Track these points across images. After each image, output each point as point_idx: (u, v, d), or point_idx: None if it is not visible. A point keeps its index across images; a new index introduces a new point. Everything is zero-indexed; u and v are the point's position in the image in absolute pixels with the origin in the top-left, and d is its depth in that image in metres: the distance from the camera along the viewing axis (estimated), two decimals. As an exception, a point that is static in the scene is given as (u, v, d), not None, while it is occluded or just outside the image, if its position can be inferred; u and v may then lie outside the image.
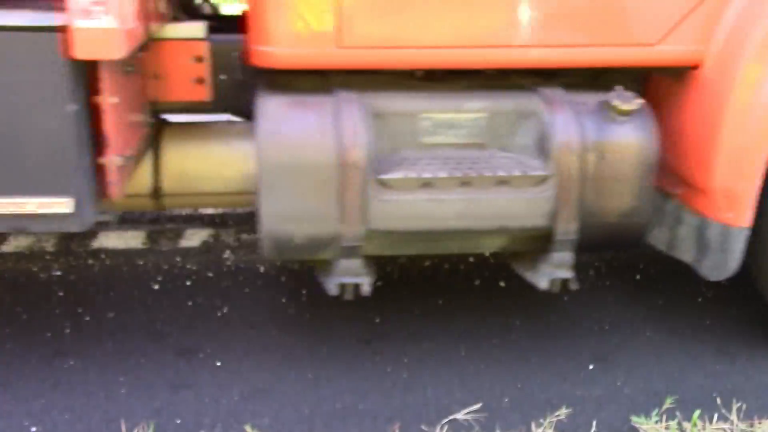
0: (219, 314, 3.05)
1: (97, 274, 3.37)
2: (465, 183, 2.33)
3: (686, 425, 2.48)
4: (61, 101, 2.02)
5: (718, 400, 2.60)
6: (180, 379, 2.64)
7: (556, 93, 2.45)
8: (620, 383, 2.69)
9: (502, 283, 3.37)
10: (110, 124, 2.14)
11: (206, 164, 2.72)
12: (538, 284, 2.57)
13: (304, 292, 3.23)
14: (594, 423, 2.47)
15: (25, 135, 2.04)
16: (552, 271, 2.52)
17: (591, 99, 2.45)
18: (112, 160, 2.19)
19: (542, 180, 2.35)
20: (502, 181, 2.35)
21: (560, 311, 3.13)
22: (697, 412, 2.51)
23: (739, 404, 2.57)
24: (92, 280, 3.30)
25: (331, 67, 2.38)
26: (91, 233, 3.72)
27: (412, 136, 2.40)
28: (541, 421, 2.48)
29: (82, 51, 1.98)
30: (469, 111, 2.42)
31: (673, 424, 2.48)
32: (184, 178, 2.70)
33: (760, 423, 2.49)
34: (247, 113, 2.58)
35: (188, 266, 3.44)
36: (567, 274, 2.52)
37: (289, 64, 2.33)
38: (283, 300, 3.17)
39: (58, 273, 3.36)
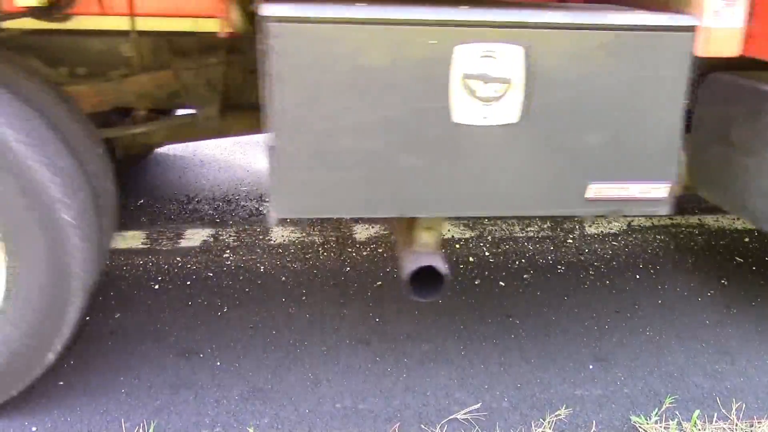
0: (219, 314, 3.05)
1: (97, 274, 3.37)
2: None
3: (686, 425, 2.48)
4: (678, 95, 2.14)
5: (718, 400, 2.60)
6: (180, 379, 2.64)
7: None
8: (620, 383, 2.69)
9: (502, 283, 3.37)
10: None
11: None
12: None
13: (304, 291, 3.23)
14: (594, 423, 2.48)
15: (640, 125, 2.17)
16: None
17: None
18: None
19: None
20: None
21: (560, 311, 3.13)
22: (697, 412, 2.51)
23: (739, 404, 2.58)
24: (92, 280, 3.30)
25: None
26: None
27: None
28: (541, 421, 2.48)
29: (707, 48, 2.12)
30: None
31: (673, 424, 2.48)
32: None
33: (760, 423, 2.50)
34: None
35: (188, 266, 3.45)
36: None
37: None
38: (283, 300, 3.18)
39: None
